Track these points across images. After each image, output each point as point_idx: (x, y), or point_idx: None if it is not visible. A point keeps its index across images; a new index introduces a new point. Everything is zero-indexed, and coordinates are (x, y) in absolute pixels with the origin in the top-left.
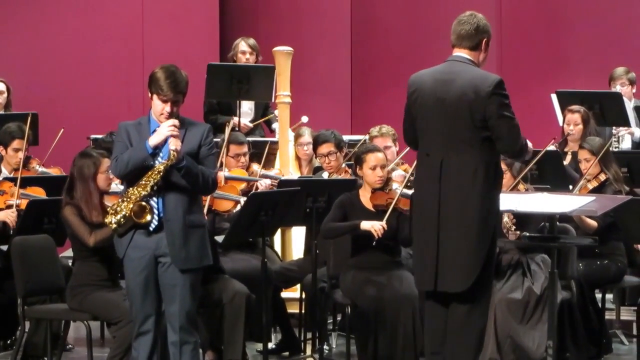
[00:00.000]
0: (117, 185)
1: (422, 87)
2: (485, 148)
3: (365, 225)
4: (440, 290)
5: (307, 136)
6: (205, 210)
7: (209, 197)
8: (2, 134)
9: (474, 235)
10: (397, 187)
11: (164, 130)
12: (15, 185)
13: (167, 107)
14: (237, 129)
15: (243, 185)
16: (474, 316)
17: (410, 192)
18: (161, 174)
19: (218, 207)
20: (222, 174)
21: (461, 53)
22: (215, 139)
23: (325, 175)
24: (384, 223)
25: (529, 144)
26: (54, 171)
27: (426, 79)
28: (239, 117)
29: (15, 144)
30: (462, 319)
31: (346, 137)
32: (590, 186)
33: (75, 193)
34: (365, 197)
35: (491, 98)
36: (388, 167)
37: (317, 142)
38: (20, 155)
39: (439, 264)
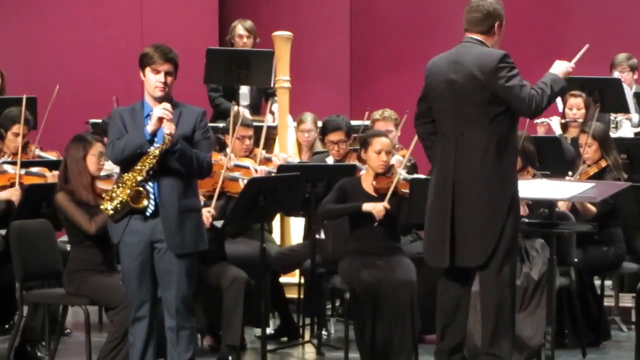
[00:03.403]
0: (108, 169)
1: (436, 72)
2: (496, 125)
3: (367, 207)
4: (459, 266)
5: (309, 123)
6: (216, 195)
7: (220, 181)
8: (2, 118)
9: (488, 209)
10: (400, 172)
11: (156, 113)
12: (15, 169)
13: (161, 77)
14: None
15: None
16: (500, 288)
17: (410, 176)
18: (156, 158)
19: (230, 189)
20: (226, 160)
21: (472, 35)
22: (218, 124)
23: (329, 160)
24: (385, 203)
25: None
26: (52, 155)
27: (439, 64)
28: (238, 102)
29: (15, 128)
30: (487, 294)
31: None
32: (591, 171)
33: (68, 176)
34: (367, 182)
35: (496, 72)
36: None
37: (327, 129)
38: (19, 139)
39: (455, 241)
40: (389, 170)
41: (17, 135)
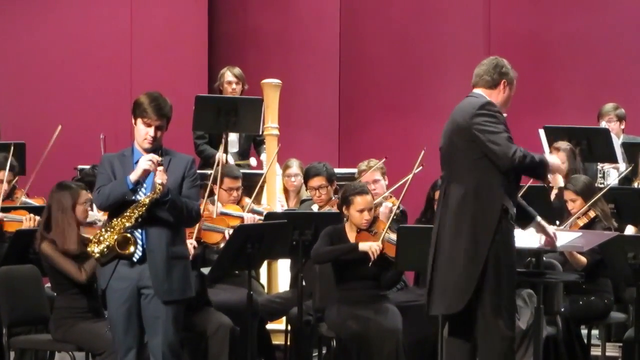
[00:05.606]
0: (93, 215)
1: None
2: (476, 173)
3: (364, 246)
4: (433, 314)
5: (295, 167)
6: (194, 242)
7: (196, 230)
8: None
9: (464, 258)
10: (385, 234)
11: (141, 164)
12: None
13: (151, 131)
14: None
15: (238, 222)
16: (494, 341)
17: (395, 239)
18: (146, 207)
19: (207, 239)
20: (213, 208)
21: (477, 90)
22: (204, 171)
23: (315, 207)
24: (379, 243)
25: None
26: (37, 201)
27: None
28: (226, 150)
29: (0, 175)
30: (482, 345)
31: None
32: (581, 223)
33: (52, 225)
34: (351, 234)
35: (474, 119)
36: (375, 200)
37: (308, 175)
38: (5, 186)
39: (432, 289)
40: (372, 223)
41: (0, 181)
